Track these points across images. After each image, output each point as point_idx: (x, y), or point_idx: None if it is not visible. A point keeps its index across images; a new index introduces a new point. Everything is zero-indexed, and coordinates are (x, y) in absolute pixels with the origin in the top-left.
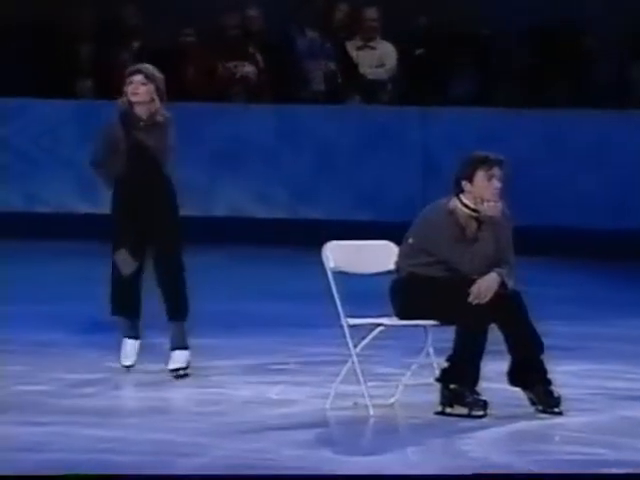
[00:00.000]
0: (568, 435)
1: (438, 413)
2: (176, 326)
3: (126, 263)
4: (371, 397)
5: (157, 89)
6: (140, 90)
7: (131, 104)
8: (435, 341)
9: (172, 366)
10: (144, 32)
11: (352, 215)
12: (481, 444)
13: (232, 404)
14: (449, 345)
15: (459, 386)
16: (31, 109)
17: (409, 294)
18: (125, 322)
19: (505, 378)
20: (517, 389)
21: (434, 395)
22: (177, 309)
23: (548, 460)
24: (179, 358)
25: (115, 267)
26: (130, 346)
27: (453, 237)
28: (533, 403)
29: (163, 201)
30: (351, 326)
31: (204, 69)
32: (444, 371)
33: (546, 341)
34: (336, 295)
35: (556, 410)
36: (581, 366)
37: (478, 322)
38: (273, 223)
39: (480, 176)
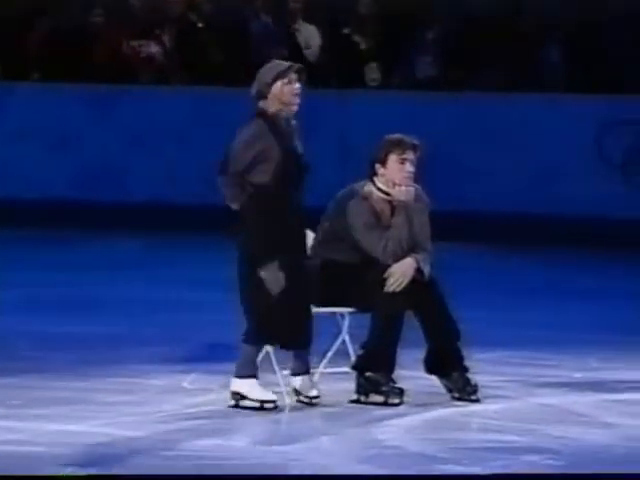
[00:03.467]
0: (484, 422)
1: (353, 401)
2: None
3: (276, 279)
4: (286, 385)
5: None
6: (300, 91)
7: (283, 107)
8: (351, 328)
9: (313, 393)
10: (54, 11)
11: None
12: (397, 432)
13: (145, 394)
14: (365, 332)
15: (375, 374)
16: None
17: (324, 281)
18: (256, 355)
19: (422, 366)
20: (434, 377)
21: (350, 383)
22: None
23: (464, 448)
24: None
25: (260, 288)
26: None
27: (368, 222)
28: (450, 390)
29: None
30: None
31: (109, 49)
32: (359, 359)
33: (462, 328)
34: None
35: (473, 397)
36: (496, 353)
37: (394, 309)
38: (187, 208)
39: (393, 159)
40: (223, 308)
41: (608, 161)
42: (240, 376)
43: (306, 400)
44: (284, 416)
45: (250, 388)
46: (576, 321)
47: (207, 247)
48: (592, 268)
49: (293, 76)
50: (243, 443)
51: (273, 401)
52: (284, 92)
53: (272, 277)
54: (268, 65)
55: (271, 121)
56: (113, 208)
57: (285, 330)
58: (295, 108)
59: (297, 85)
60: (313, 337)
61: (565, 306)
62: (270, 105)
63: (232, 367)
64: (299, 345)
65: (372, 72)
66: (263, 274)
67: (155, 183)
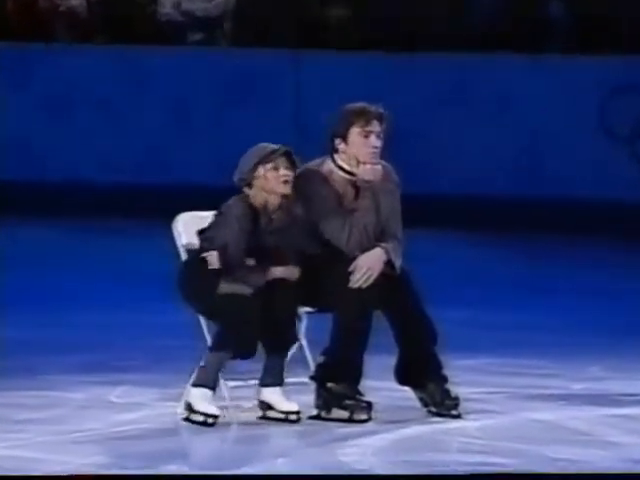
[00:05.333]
0: (466, 442)
1: (313, 417)
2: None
3: (242, 287)
4: (233, 399)
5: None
6: (291, 178)
7: (269, 197)
8: (309, 331)
9: (291, 407)
10: None
11: (211, 180)
12: (364, 454)
13: (66, 409)
14: (327, 336)
15: (338, 385)
16: None
17: None
18: (221, 365)
19: (393, 375)
20: (407, 388)
21: (309, 396)
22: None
23: (442, 472)
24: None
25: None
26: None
27: (328, 207)
28: (426, 404)
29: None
30: None
31: (23, 2)
32: (320, 368)
33: (440, 330)
34: None
35: (453, 412)
36: (480, 359)
37: (360, 308)
38: (111, 189)
39: (355, 133)
40: (157, 307)
41: (612, 134)
42: (195, 385)
43: (281, 416)
44: (231, 435)
45: (198, 399)
46: (576, 322)
47: (137, 234)
48: (593, 260)
49: (280, 161)
50: (180, 467)
51: (214, 416)
52: (268, 179)
53: (234, 287)
54: (250, 149)
55: (255, 212)
56: (26, 189)
57: (254, 334)
58: (280, 193)
59: (284, 171)
60: (293, 341)
61: (562, 305)
62: (256, 195)
63: (169, 377)
64: (275, 347)
65: None
66: (225, 288)
67: (74, 159)
